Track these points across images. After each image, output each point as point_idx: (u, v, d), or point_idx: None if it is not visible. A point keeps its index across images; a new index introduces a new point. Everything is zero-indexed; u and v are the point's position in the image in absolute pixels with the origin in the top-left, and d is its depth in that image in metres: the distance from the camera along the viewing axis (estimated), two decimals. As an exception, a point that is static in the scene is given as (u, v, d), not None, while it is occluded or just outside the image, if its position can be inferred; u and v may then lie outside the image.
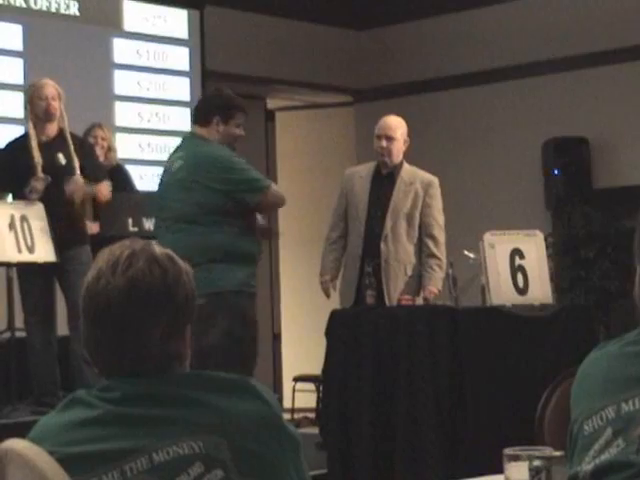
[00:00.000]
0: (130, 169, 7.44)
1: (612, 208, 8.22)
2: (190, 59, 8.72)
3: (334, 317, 5.65)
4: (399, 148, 6.12)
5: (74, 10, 8.04)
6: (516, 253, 5.45)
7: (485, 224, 6.35)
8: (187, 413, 1.80)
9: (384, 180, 6.16)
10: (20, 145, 6.12)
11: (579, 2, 8.87)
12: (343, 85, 10.05)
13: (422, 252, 6.09)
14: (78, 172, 6.06)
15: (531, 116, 9.03)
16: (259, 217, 5.18)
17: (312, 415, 8.40)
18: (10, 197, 6.24)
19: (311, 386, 8.41)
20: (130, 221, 6.75)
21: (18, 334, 6.13)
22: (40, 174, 5.99)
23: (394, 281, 6.02)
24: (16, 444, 1.82)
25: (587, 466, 1.81)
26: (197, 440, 1.77)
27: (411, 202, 6.08)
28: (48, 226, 5.96)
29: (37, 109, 6.11)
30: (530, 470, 1.81)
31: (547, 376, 2.93)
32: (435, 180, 6.16)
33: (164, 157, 5.75)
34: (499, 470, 1.89)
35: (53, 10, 7.94)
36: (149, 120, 8.44)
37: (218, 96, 5.20)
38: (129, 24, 8.37)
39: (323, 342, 5.69)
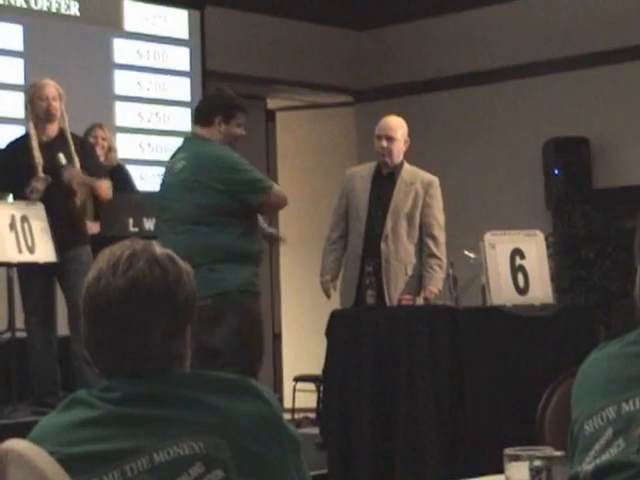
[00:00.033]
0: (130, 169, 7.43)
1: (612, 208, 8.22)
2: (190, 59, 8.71)
3: (334, 317, 5.65)
4: (399, 148, 6.12)
5: (74, 10, 8.04)
6: (516, 253, 5.45)
7: (485, 224, 6.34)
8: (187, 413, 1.80)
9: (385, 180, 6.16)
10: (21, 145, 6.12)
11: (579, 2, 8.87)
12: (344, 85, 10.04)
13: (422, 252, 6.09)
14: (78, 172, 6.07)
15: (531, 116, 9.03)
16: (265, 224, 5.16)
17: (312, 415, 8.39)
18: (11, 197, 6.24)
19: (311, 386, 8.40)
20: (131, 221, 6.74)
21: (18, 334, 6.12)
22: (41, 174, 5.99)
23: (394, 281, 6.02)
24: (17, 444, 1.82)
25: (588, 466, 1.81)
26: (197, 440, 1.77)
27: (411, 202, 6.08)
28: (49, 226, 5.96)
29: (38, 109, 6.11)
30: (530, 470, 1.81)
31: (547, 376, 2.92)
32: (435, 180, 6.15)
33: (164, 157, 5.74)
34: (499, 470, 1.89)
35: (53, 10, 7.94)
36: (149, 120, 8.43)
37: (219, 96, 5.19)
38: (129, 24, 8.36)
39: (323, 342, 5.68)
